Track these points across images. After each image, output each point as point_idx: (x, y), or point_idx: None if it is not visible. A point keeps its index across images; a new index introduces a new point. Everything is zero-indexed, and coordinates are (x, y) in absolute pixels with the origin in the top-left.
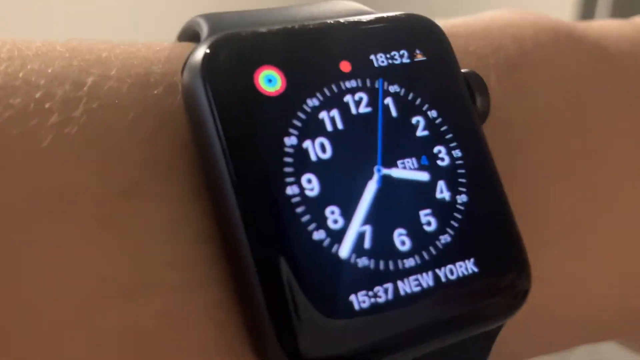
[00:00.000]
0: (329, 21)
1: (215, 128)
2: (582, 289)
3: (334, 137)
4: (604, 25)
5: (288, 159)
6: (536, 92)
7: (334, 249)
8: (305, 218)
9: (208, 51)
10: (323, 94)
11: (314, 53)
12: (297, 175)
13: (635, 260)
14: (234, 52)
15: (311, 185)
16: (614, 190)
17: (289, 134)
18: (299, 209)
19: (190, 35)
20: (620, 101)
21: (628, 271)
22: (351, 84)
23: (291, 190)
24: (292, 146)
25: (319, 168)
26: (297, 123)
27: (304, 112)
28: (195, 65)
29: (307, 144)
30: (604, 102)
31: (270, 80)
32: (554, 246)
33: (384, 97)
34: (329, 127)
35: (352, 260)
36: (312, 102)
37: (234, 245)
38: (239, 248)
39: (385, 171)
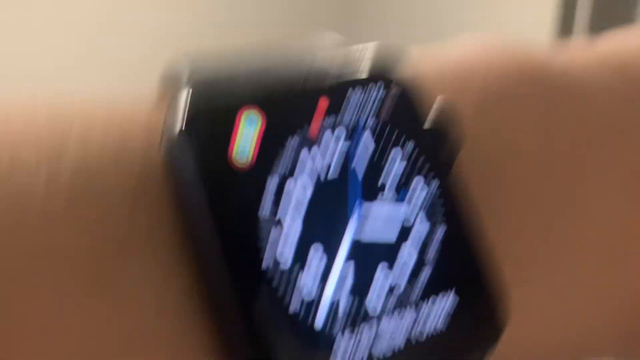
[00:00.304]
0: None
1: (192, 206)
2: (561, 320)
3: (308, 206)
4: (569, 59)
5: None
6: (507, 131)
7: (309, 321)
8: (280, 291)
9: (183, 128)
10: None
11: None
12: (272, 249)
13: (615, 290)
14: (208, 125)
15: (284, 258)
16: (588, 225)
17: (263, 209)
18: (275, 283)
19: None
20: (592, 137)
21: (609, 302)
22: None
23: (266, 264)
24: (265, 220)
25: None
26: (268, 197)
27: (274, 185)
28: (172, 140)
29: (280, 215)
30: (575, 139)
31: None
32: (528, 284)
33: (362, 133)
34: (301, 197)
35: (327, 330)
36: (281, 171)
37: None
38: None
39: (356, 237)
